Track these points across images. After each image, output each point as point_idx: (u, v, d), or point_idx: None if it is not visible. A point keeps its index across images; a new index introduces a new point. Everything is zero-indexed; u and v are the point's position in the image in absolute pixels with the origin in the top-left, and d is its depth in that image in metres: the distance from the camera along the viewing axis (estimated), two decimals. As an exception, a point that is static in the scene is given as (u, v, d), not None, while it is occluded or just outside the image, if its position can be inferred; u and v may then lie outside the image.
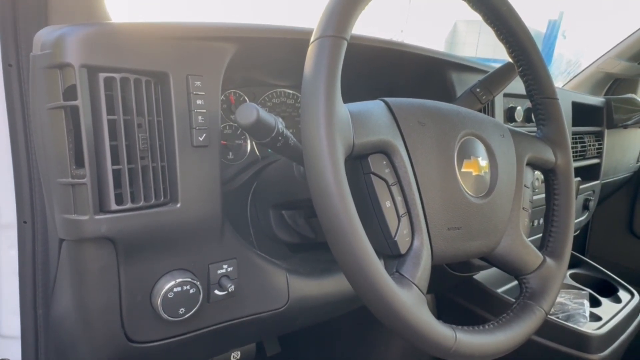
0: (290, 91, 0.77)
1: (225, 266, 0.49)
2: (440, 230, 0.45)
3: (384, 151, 0.42)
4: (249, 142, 0.73)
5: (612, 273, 1.14)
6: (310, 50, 0.38)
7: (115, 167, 0.40)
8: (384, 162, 0.42)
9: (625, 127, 1.34)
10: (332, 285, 0.61)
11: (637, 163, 1.63)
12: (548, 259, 0.54)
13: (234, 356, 0.72)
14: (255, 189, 0.67)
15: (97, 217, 0.39)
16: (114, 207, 0.40)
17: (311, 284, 0.59)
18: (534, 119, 0.62)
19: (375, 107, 0.44)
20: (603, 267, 1.17)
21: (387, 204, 0.42)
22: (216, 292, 0.49)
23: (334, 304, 0.62)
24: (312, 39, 0.38)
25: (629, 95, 1.35)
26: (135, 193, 0.42)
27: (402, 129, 0.44)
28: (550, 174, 0.59)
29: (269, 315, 0.55)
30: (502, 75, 0.66)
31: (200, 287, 0.47)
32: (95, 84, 0.39)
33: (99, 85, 0.39)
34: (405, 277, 0.41)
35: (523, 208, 0.55)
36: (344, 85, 0.39)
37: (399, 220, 0.42)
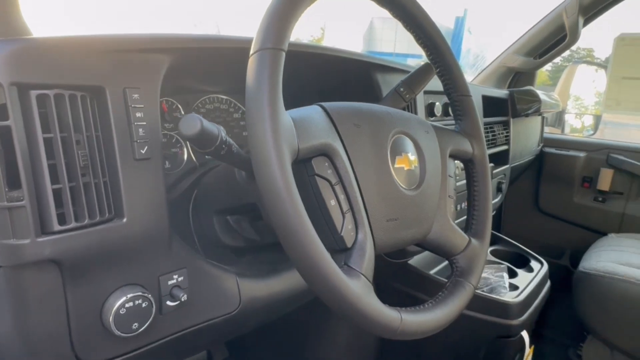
0: (224, 97, 0.77)
1: (175, 276, 0.50)
2: (380, 222, 0.49)
3: (326, 153, 0.45)
4: (185, 150, 0.73)
5: (524, 247, 1.28)
6: (252, 62, 0.39)
7: (55, 186, 0.39)
8: (326, 164, 0.45)
9: (527, 115, 1.51)
10: (280, 284, 0.63)
11: (538, 147, 1.83)
12: (473, 240, 0.61)
13: (186, 365, 0.71)
14: (196, 196, 0.67)
15: (39, 239, 0.38)
16: (56, 227, 0.39)
17: (260, 285, 0.60)
18: (451, 114, 0.68)
19: (314, 113, 0.47)
20: (517, 242, 1.31)
21: (331, 203, 0.45)
22: (168, 302, 0.49)
23: (283, 302, 0.64)
24: (252, 51, 0.40)
25: (528, 87, 1.52)
26: (78, 211, 0.41)
27: (340, 132, 0.47)
28: (469, 163, 0.66)
29: (222, 320, 0.56)
30: (421, 75, 0.72)
31: (152, 299, 0.46)
32: (27, 102, 0.38)
33: (31, 103, 0.38)
34: (353, 268, 0.44)
35: (449, 196, 0.61)
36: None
37: (344, 217, 0.45)
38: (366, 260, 0.46)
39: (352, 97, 0.59)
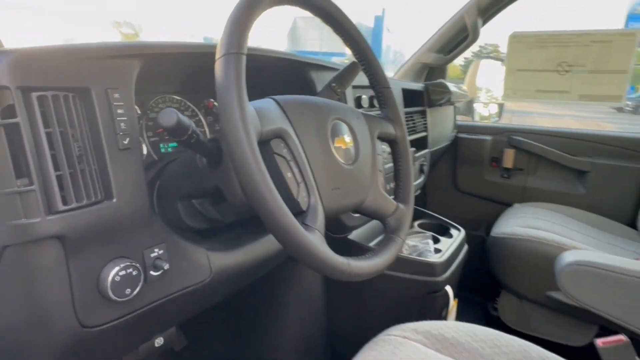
0: (176, 97, 0.85)
1: (156, 250, 0.58)
2: (327, 191, 0.61)
3: (281, 136, 0.56)
4: (144, 145, 0.79)
5: (446, 219, 1.48)
6: (219, 65, 0.49)
7: (58, 173, 0.46)
8: (282, 145, 0.56)
9: (440, 105, 1.71)
10: (244, 255, 0.73)
11: (452, 133, 2.06)
12: (400, 205, 0.75)
13: (157, 342, 0.78)
14: (160, 186, 0.74)
15: (48, 217, 0.45)
16: (61, 207, 0.46)
17: (227, 256, 0.70)
18: (376, 104, 0.82)
19: (269, 104, 0.57)
20: (440, 215, 1.50)
21: (288, 175, 0.56)
22: (152, 272, 0.57)
23: (248, 271, 0.74)
24: (218, 56, 0.50)
25: (439, 80, 1.72)
26: (77, 194, 0.48)
27: (290, 119, 0.58)
28: (393, 143, 0.80)
29: (197, 288, 0.65)
30: (350, 72, 0.85)
31: (140, 268, 0.54)
32: (29, 103, 0.44)
33: (33, 103, 0.45)
34: (309, 225, 0.55)
35: (379, 170, 0.74)
36: None
37: (298, 186, 0.57)
38: (319, 220, 0.57)
39: (291, 92, 0.70)
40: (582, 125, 4.35)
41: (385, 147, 1.08)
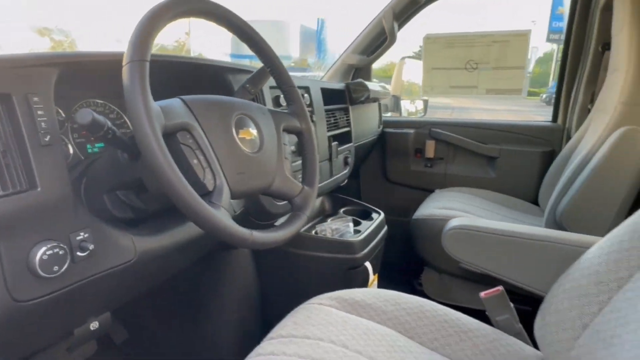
0: (99, 100, 0.92)
1: (82, 234, 0.66)
2: (233, 174, 0.72)
3: (186, 129, 0.66)
4: (70, 146, 0.86)
5: (380, 210, 1.61)
6: (125, 71, 0.59)
7: None
8: (187, 136, 0.66)
9: (362, 102, 1.86)
10: (169, 239, 0.82)
11: (379, 128, 2.23)
12: (305, 187, 0.87)
13: (92, 326, 0.85)
14: (86, 183, 0.82)
15: None
16: None
17: (151, 240, 0.78)
18: (284, 102, 0.94)
19: (174, 102, 0.67)
20: (372, 205, 1.64)
21: (194, 162, 0.66)
22: (78, 253, 0.65)
23: (172, 254, 0.83)
24: (124, 63, 0.59)
25: (359, 80, 1.87)
26: (3, 184, 0.55)
27: (195, 114, 0.69)
28: (299, 135, 0.92)
29: (124, 268, 0.73)
30: (261, 74, 0.96)
31: (67, 249, 0.62)
32: None
33: None
34: (215, 202, 0.66)
35: (285, 157, 0.86)
36: (154, 89, 0.61)
37: (204, 170, 0.67)
38: (224, 198, 0.68)
39: (210, 92, 0.80)
40: (515, 117, 4.74)
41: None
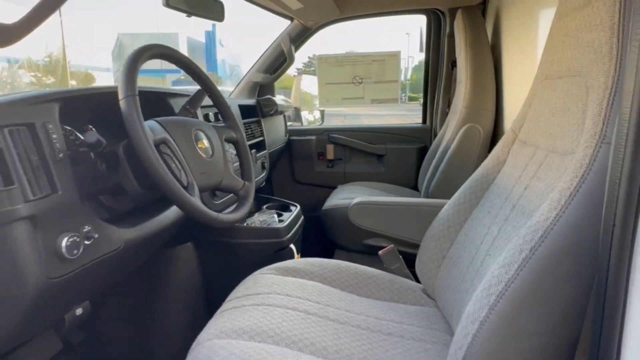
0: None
1: (87, 227, 0.86)
2: (197, 174, 0.97)
3: (165, 142, 0.91)
4: None
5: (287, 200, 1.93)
6: (123, 104, 0.82)
7: (27, 176, 0.73)
8: (166, 147, 0.91)
9: (271, 115, 2.17)
10: (144, 229, 1.03)
11: (285, 137, 2.55)
12: (246, 182, 1.15)
13: (77, 312, 1.03)
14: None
15: (26, 204, 0.72)
16: (31, 197, 0.73)
17: (132, 230, 0.99)
18: (221, 118, 1.21)
19: (153, 123, 0.91)
20: (284, 199, 1.95)
21: (173, 165, 0.91)
22: (86, 242, 0.85)
23: (148, 240, 1.04)
24: (121, 97, 0.82)
25: (268, 96, 2.18)
26: (35, 190, 0.75)
27: (168, 131, 0.93)
28: (236, 144, 1.20)
29: (115, 254, 0.94)
30: (198, 98, 1.22)
31: (80, 238, 0.83)
32: (4, 135, 0.71)
33: (6, 135, 0.71)
34: (190, 194, 0.91)
35: (228, 161, 1.13)
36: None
37: (180, 172, 0.92)
38: (195, 191, 0.93)
39: (156, 114, 1.03)
40: (399, 120, 5.44)
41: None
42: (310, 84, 3.23)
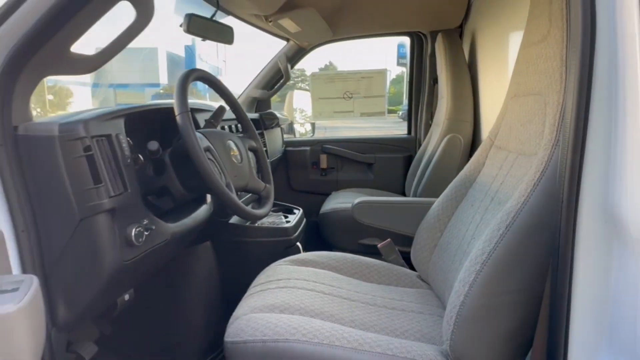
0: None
1: (145, 220, 1.04)
2: (232, 177, 1.16)
3: (208, 150, 1.10)
4: None
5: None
6: (179, 119, 1.01)
7: (110, 177, 0.91)
8: (209, 154, 1.10)
9: (272, 128, 2.37)
10: (184, 225, 1.21)
11: (282, 147, 2.75)
12: (267, 185, 1.34)
13: (126, 297, 1.19)
14: None
15: (109, 199, 0.90)
16: (112, 194, 0.91)
17: (176, 225, 1.17)
18: (241, 129, 1.40)
19: (199, 134, 1.10)
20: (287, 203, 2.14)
21: (215, 170, 1.09)
22: (146, 233, 1.03)
23: (186, 234, 1.22)
24: (177, 113, 1.01)
25: (269, 110, 2.39)
26: (114, 188, 0.93)
27: (210, 141, 1.12)
28: (255, 152, 1.39)
29: (164, 244, 1.11)
30: (220, 113, 1.41)
31: (143, 229, 1.00)
32: (93, 143, 0.89)
33: (94, 144, 0.89)
34: (230, 192, 1.10)
35: (252, 167, 1.33)
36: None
37: (220, 174, 1.10)
38: (233, 191, 1.12)
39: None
40: (380, 132, 5.72)
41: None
42: (299, 99, 3.45)
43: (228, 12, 1.85)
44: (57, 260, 0.90)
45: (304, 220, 1.99)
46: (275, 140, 2.52)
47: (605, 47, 0.65)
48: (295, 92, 3.20)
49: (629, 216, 0.63)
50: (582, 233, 0.70)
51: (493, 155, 1.25)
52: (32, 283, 0.58)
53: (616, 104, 0.65)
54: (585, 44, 0.66)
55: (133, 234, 0.97)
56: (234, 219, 1.69)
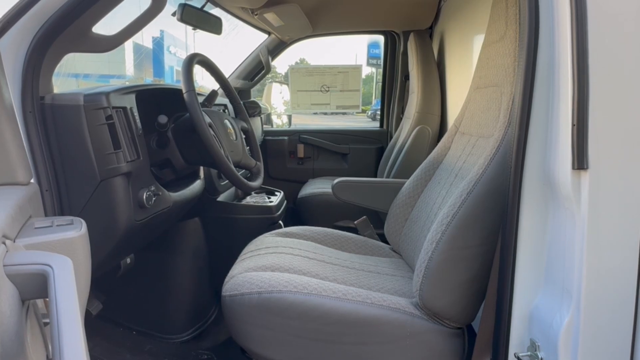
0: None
1: (153, 187, 1.15)
2: (229, 152, 1.29)
3: (211, 126, 1.22)
4: None
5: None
6: (186, 96, 1.13)
7: (127, 143, 1.03)
8: (212, 130, 1.22)
9: (254, 117, 2.49)
10: (183, 194, 1.33)
11: (262, 137, 2.87)
12: (257, 162, 1.48)
13: (128, 260, 1.30)
14: None
15: (126, 163, 1.01)
16: (130, 159, 1.03)
17: (176, 195, 1.29)
18: (234, 112, 1.53)
19: (203, 113, 1.23)
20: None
21: (217, 144, 1.22)
22: (154, 197, 1.15)
23: (185, 203, 1.34)
24: (184, 91, 1.14)
25: (252, 99, 2.51)
26: (131, 155, 1.04)
27: (212, 119, 1.25)
28: (246, 132, 1.53)
29: (167, 210, 1.23)
30: (213, 96, 1.53)
31: (153, 193, 1.12)
32: (112, 113, 1.00)
33: (114, 114, 1.00)
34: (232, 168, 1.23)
35: (244, 145, 1.46)
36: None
37: (220, 148, 1.23)
38: (232, 163, 1.25)
39: (181, 108, 1.34)
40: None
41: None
42: (279, 92, 3.58)
43: (217, 4, 1.97)
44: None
45: (285, 201, 2.13)
46: (256, 128, 2.64)
47: (545, 46, 0.83)
48: (274, 84, 3.33)
49: (560, 178, 0.82)
50: (525, 194, 0.88)
51: (457, 140, 1.43)
52: (82, 222, 0.70)
53: (552, 92, 0.83)
54: (531, 44, 0.83)
55: (145, 196, 1.09)
56: (222, 197, 1.81)
